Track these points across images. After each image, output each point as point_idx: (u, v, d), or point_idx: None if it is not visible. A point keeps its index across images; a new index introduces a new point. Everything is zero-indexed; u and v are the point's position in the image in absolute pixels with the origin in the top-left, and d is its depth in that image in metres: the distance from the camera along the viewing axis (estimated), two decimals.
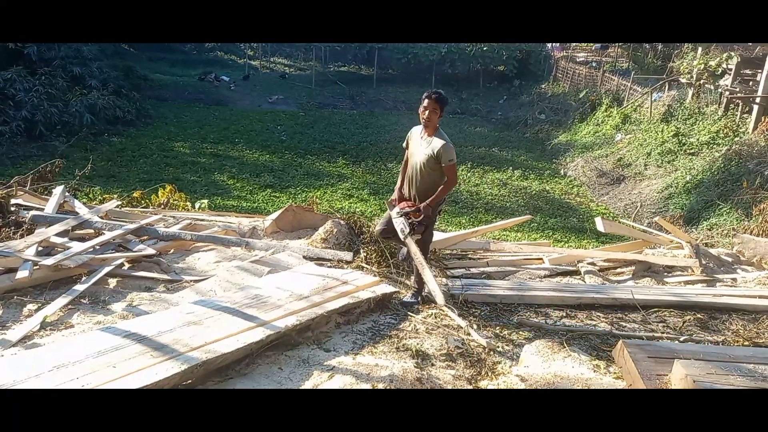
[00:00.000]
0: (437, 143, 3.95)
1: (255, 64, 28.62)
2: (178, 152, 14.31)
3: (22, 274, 3.83)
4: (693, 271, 5.61)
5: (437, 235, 5.95)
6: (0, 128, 12.67)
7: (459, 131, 19.66)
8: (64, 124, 14.07)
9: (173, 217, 5.92)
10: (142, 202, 6.95)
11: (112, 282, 4.18)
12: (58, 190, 5.85)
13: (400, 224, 4.05)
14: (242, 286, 3.94)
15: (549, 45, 28.84)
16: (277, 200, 10.96)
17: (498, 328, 3.93)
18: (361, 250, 5.12)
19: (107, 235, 4.69)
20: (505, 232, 9.56)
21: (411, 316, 3.99)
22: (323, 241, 5.21)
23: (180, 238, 5.00)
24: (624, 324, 4.12)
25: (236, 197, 10.93)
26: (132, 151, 13.83)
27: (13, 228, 4.97)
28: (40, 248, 4.36)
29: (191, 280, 4.33)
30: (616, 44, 26.79)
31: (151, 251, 4.61)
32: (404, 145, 4.30)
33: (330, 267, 4.67)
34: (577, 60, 26.31)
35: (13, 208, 5.43)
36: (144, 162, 13.01)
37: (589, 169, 15.51)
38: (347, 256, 4.92)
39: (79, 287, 3.88)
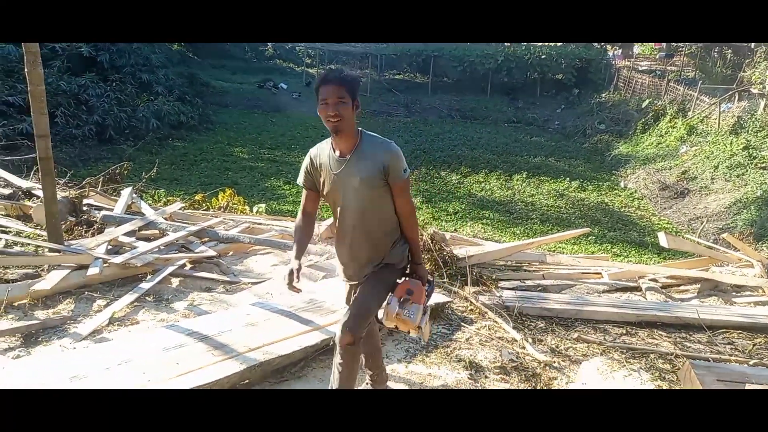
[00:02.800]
0: (377, 150, 2.36)
1: (312, 72, 29.18)
2: (237, 157, 14.74)
3: (93, 271, 4.03)
4: (764, 291, 5.31)
5: (492, 246, 5.88)
6: (73, 131, 13.39)
7: (514, 140, 19.39)
8: (132, 128, 14.74)
9: (232, 220, 6.10)
10: (203, 205, 7.20)
11: (175, 281, 4.34)
12: (126, 192, 6.14)
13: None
14: (300, 289, 4.01)
15: (610, 53, 28.09)
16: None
17: (554, 343, 3.84)
18: None
19: (171, 236, 4.87)
20: (561, 245, 9.34)
21: (464, 326, 3.96)
22: None
23: (239, 241, 5.14)
24: (688, 344, 3.94)
25: (291, 202, 11.15)
26: (194, 155, 14.34)
27: (85, 227, 5.25)
28: (109, 247, 4.59)
29: (249, 283, 4.44)
30: (682, 52, 25.81)
31: (211, 253, 4.76)
32: (301, 181, 2.54)
33: None
34: (640, 69, 25.48)
35: (85, 208, 5.74)
36: (205, 166, 13.47)
37: (651, 182, 14.96)
38: None
39: (145, 285, 4.05)
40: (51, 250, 4.30)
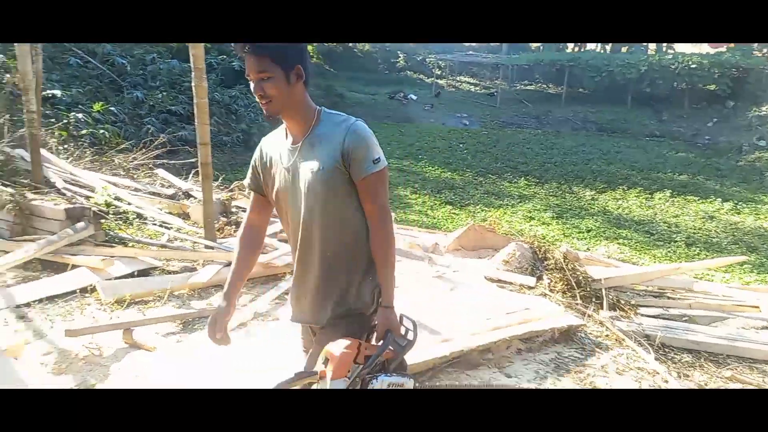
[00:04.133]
0: (335, 131, 1.73)
1: (441, 83, 29.40)
2: None
3: None
4: None
5: (630, 268, 5.51)
6: (224, 138, 14.67)
7: (656, 156, 18.01)
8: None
9: None
10: None
11: None
12: None
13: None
14: (426, 299, 4.05)
15: None
16: (456, 217, 11.08)
17: (703, 380, 3.50)
18: (545, 277, 4.94)
19: None
20: (711, 272, 8.50)
21: (599, 352, 3.74)
22: (505, 264, 5.14)
23: None
24: None
25: (417, 212, 11.29)
26: None
27: (234, 227, 5.73)
28: None
29: None
30: None
31: None
32: (247, 182, 1.96)
33: (511, 291, 4.59)
34: None
35: (233, 209, 6.27)
36: None
37: None
38: (530, 281, 4.80)
39: (284, 285, 4.33)
40: (206, 246, 4.74)
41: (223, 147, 14.53)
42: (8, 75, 10.23)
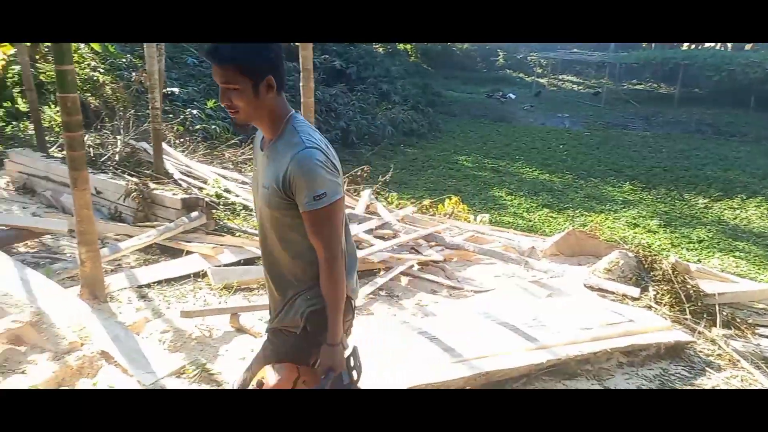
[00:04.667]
0: (286, 152, 1.64)
1: (542, 82, 28.52)
2: (461, 165, 15.14)
3: None
4: None
5: (749, 284, 5.08)
6: (324, 136, 15.16)
7: None
8: (370, 134, 16.13)
9: (457, 227, 6.29)
10: (430, 210, 7.55)
11: (404, 280, 4.64)
12: (366, 193, 6.75)
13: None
14: (522, 305, 3.97)
15: None
16: (553, 221, 10.74)
17: None
18: (651, 288, 4.66)
19: (403, 238, 5.22)
20: None
21: (709, 372, 3.49)
22: (607, 272, 4.91)
23: (463, 249, 5.28)
24: None
25: (513, 214, 11.06)
26: (422, 161, 15.12)
27: None
28: None
29: (472, 290, 4.54)
30: None
31: (438, 257, 4.97)
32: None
33: (613, 300, 4.39)
34: None
35: None
36: (431, 172, 14.12)
37: None
38: (634, 291, 4.55)
39: (379, 280, 4.41)
40: None
41: None
42: (134, 74, 11.17)
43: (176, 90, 11.90)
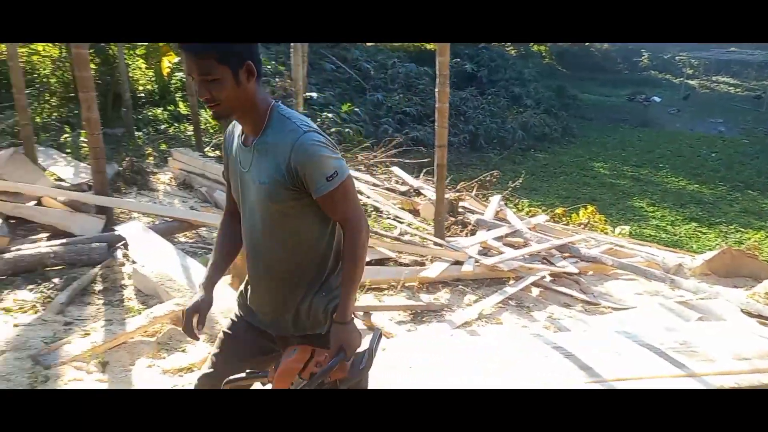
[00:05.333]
0: (283, 141, 1.54)
1: (692, 84, 26.15)
2: (596, 173, 14.33)
3: (466, 267, 4.49)
4: None
5: None
6: (451, 139, 15.11)
7: None
8: (500, 138, 15.83)
9: (594, 239, 5.96)
10: (563, 219, 7.24)
11: (535, 291, 4.49)
12: (495, 199, 6.64)
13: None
14: (668, 326, 3.66)
15: None
16: (703, 237, 9.78)
17: None
18: None
19: (535, 247, 5.06)
20: None
21: None
22: None
23: (600, 262, 5.00)
24: None
25: (655, 227, 10.24)
26: (553, 167, 14.54)
27: (460, 227, 5.90)
28: (480, 248, 5.04)
29: (609, 307, 4.28)
30: None
31: (573, 269, 4.75)
32: (223, 170, 1.81)
33: None
34: None
35: (460, 210, 6.44)
36: (563, 179, 13.52)
37: None
38: None
39: (509, 289, 4.32)
40: (435, 243, 4.96)
41: (450, 147, 14.91)
42: (278, 79, 11.96)
43: (314, 94, 12.55)
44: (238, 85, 1.49)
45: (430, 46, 18.35)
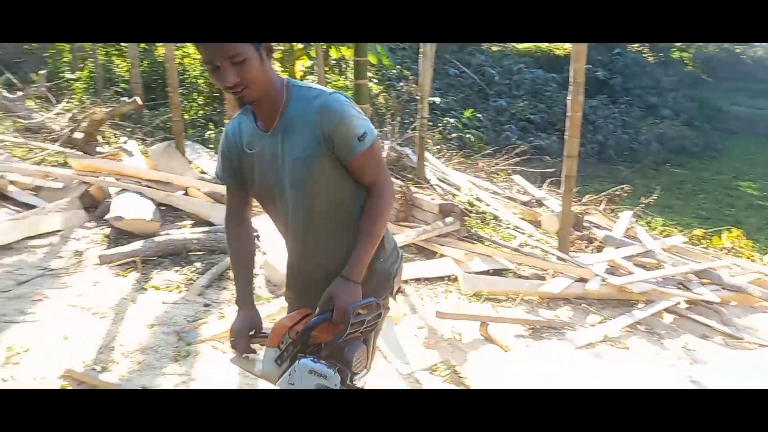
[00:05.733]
0: (309, 112, 1.50)
1: None
2: (743, 192, 13.00)
3: (591, 286, 4.27)
4: None
5: None
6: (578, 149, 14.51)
7: None
8: (631, 150, 14.89)
9: (738, 266, 5.40)
10: (702, 242, 6.64)
11: (668, 318, 4.16)
12: (625, 215, 6.24)
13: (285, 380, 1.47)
14: None
15: None
16: None
17: None
18: None
19: (669, 270, 4.68)
20: None
21: None
22: None
23: (746, 292, 4.52)
24: None
25: None
26: (692, 184, 13.40)
27: (585, 242, 5.61)
28: (607, 266, 4.77)
29: (755, 343, 3.86)
30: None
31: (713, 298, 4.34)
32: (219, 171, 1.71)
33: None
34: None
35: (586, 224, 6.13)
36: (703, 198, 12.41)
37: None
38: None
39: (638, 313, 4.04)
40: (558, 258, 4.77)
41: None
42: (402, 83, 12.16)
43: (437, 99, 12.62)
44: (263, 63, 1.45)
45: (559, 52, 17.73)
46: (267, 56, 1.46)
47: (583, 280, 4.41)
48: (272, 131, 1.53)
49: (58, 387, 2.63)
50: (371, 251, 1.54)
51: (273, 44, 1.50)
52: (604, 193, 7.34)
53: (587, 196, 7.56)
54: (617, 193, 7.62)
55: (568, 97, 4.66)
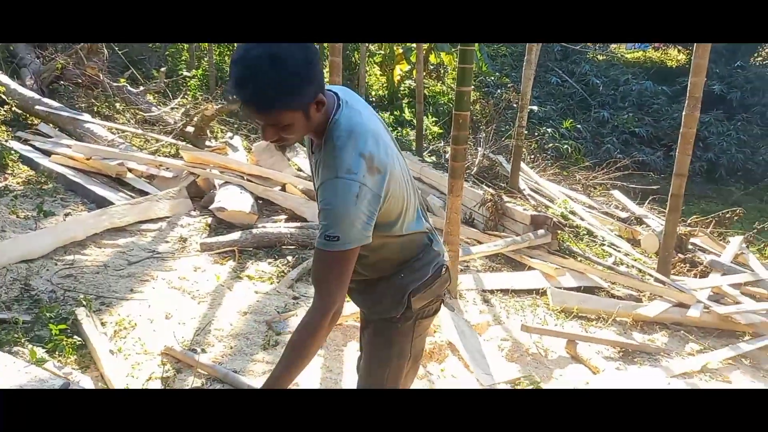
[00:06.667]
0: (324, 166, 1.43)
1: None
2: None
3: (693, 312, 4.00)
4: None
5: None
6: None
7: None
8: (746, 171, 13.74)
9: None
10: None
11: None
12: (736, 240, 5.79)
13: None
14: None
15: None
16: None
17: None
18: None
19: None
20: None
21: None
22: None
23: None
24: None
25: None
26: None
27: (688, 265, 5.26)
28: (711, 293, 4.44)
29: None
30: None
31: None
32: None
33: None
34: None
35: (690, 247, 5.74)
36: None
37: None
38: None
39: (744, 346, 3.74)
40: (656, 280, 4.51)
41: None
42: (500, 90, 11.98)
43: (535, 108, 12.31)
44: (308, 119, 1.39)
45: (671, 63, 16.73)
46: (318, 108, 1.39)
47: (682, 305, 4.14)
48: (315, 156, 1.53)
49: (157, 363, 2.83)
50: (288, 372, 1.43)
51: (323, 95, 1.40)
52: (712, 215, 6.84)
53: (693, 216, 7.08)
54: (727, 215, 7.08)
55: (682, 112, 4.40)
